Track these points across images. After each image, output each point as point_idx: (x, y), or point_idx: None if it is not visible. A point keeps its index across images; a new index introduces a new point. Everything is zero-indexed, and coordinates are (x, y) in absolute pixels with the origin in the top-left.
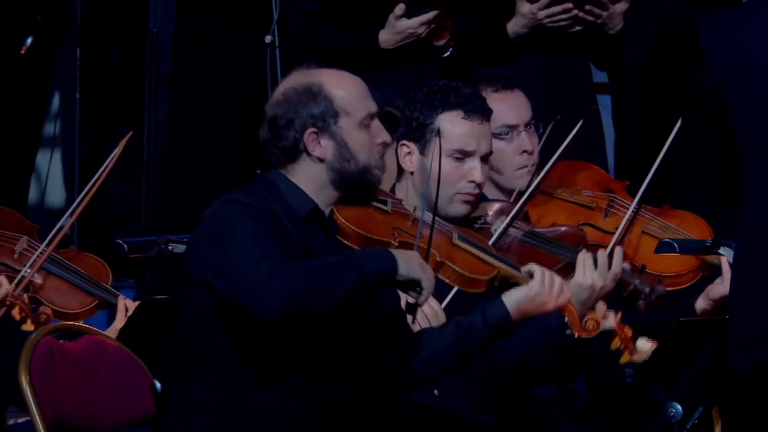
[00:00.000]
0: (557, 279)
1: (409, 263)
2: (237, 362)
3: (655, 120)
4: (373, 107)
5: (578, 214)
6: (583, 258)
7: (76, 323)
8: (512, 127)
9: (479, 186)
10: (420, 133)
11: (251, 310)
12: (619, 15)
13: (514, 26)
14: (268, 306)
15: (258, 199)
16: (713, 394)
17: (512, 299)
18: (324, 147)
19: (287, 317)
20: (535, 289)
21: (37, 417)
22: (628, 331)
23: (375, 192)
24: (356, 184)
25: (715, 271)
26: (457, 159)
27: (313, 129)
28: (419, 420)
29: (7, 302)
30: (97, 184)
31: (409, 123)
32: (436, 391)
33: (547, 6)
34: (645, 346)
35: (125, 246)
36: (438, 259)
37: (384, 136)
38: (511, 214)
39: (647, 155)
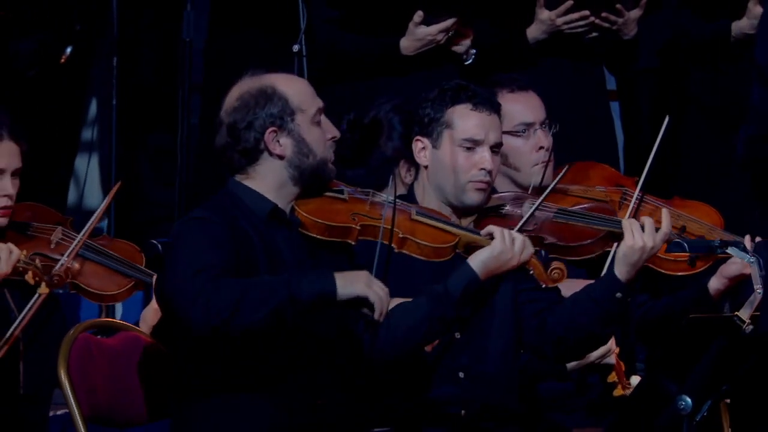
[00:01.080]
0: (518, 236)
1: (350, 282)
2: (223, 373)
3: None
4: (320, 103)
5: (594, 209)
6: (629, 223)
7: (113, 320)
8: (529, 125)
9: (490, 173)
10: (431, 128)
11: (182, 323)
12: (634, 21)
13: (533, 32)
14: (194, 321)
15: (216, 211)
16: (722, 387)
17: (478, 259)
18: (283, 145)
19: (213, 335)
20: (498, 248)
21: (75, 409)
22: (622, 366)
23: (330, 184)
24: (315, 178)
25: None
26: (468, 149)
27: (272, 128)
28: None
29: (20, 267)
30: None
31: (421, 120)
32: (461, 374)
33: (566, 13)
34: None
35: (159, 246)
36: (401, 235)
37: (333, 131)
38: (542, 197)
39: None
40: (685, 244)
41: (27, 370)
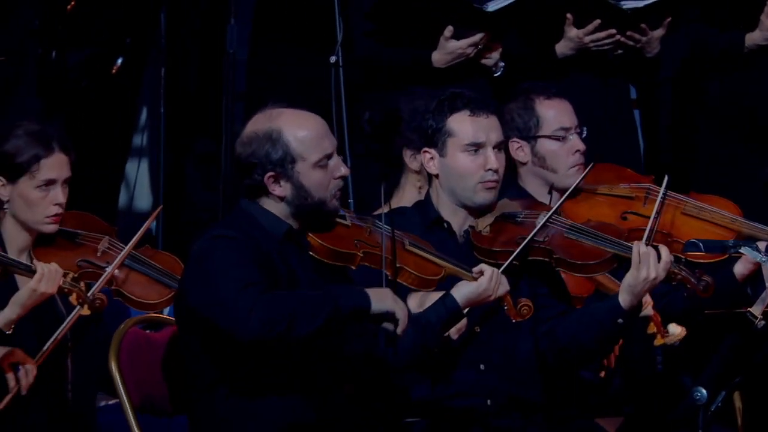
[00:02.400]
0: (497, 273)
1: (381, 299)
2: (237, 379)
3: (681, 130)
4: (329, 148)
5: (620, 205)
6: (639, 254)
7: (160, 315)
8: (567, 129)
9: (497, 172)
10: (436, 138)
11: (232, 334)
12: (657, 40)
13: (562, 48)
14: (248, 333)
15: (238, 231)
16: (735, 379)
17: (462, 293)
18: (283, 187)
19: (264, 342)
20: (483, 286)
21: (125, 399)
22: (659, 318)
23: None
24: (314, 216)
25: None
26: (472, 152)
27: (272, 173)
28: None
29: (65, 289)
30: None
31: (425, 132)
32: (482, 366)
33: (593, 31)
34: (675, 330)
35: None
36: (398, 264)
37: (342, 170)
38: (552, 209)
39: (676, 163)
40: (701, 245)
41: (75, 367)
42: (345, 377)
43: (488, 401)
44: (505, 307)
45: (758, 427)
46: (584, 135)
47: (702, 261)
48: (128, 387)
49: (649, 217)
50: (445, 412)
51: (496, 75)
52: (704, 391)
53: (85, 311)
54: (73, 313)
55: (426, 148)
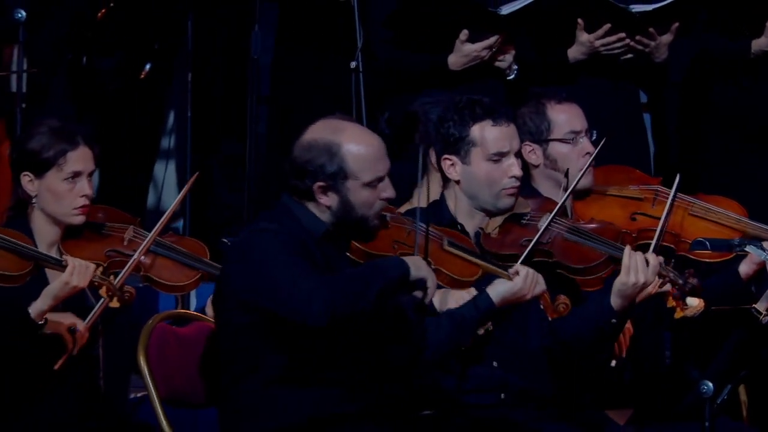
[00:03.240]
0: (533, 273)
1: (417, 265)
2: (277, 367)
3: (690, 133)
4: (382, 171)
5: (630, 206)
6: (629, 259)
7: (187, 311)
8: (577, 133)
9: (519, 179)
10: (458, 146)
11: (299, 322)
12: (665, 45)
13: (574, 53)
14: (315, 317)
15: (281, 226)
16: (741, 373)
17: (498, 292)
18: (329, 198)
19: (331, 325)
20: (519, 285)
21: (153, 392)
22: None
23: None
24: (354, 229)
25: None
26: (496, 161)
27: (322, 183)
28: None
29: (96, 282)
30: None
31: (446, 139)
32: (495, 363)
33: (604, 35)
34: (694, 302)
35: (230, 244)
36: (433, 267)
37: (389, 192)
38: (552, 213)
39: (684, 164)
40: (707, 243)
41: (106, 355)
42: (379, 371)
43: (502, 395)
44: (542, 305)
45: (763, 419)
46: (594, 137)
47: (710, 260)
48: (156, 380)
49: (657, 218)
50: (462, 406)
51: (509, 78)
52: (711, 384)
53: (115, 303)
54: (100, 302)
55: (447, 155)
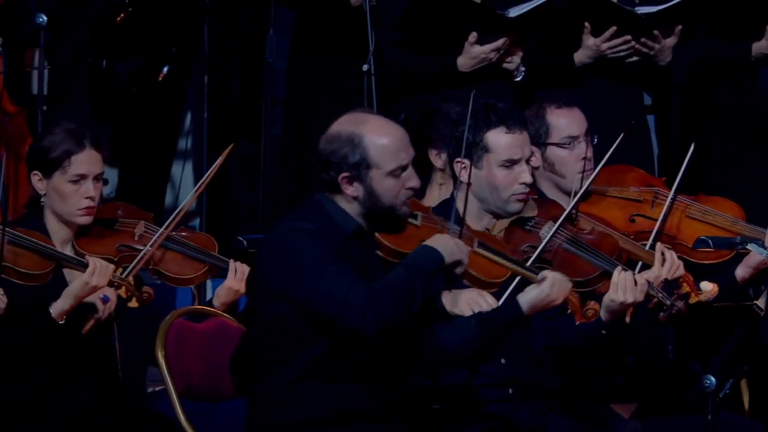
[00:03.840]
0: (562, 278)
1: (449, 249)
2: (307, 361)
3: (692, 133)
4: (405, 159)
5: (629, 207)
6: (617, 277)
7: (204, 307)
8: (574, 138)
9: (528, 186)
10: (472, 151)
11: (353, 333)
12: (669, 49)
13: (580, 57)
14: (370, 329)
15: (314, 224)
16: (742, 368)
17: (526, 300)
18: (355, 188)
19: (386, 333)
20: (546, 291)
21: (171, 386)
22: (691, 278)
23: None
24: (383, 219)
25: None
26: (507, 167)
27: (346, 174)
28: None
29: (115, 282)
30: (207, 180)
31: (459, 143)
32: (503, 360)
33: (610, 39)
34: (707, 287)
35: (245, 242)
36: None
37: (414, 182)
38: (556, 225)
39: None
40: (710, 241)
41: (123, 346)
42: (408, 369)
43: (510, 390)
44: (570, 310)
45: (764, 413)
46: (595, 142)
47: (710, 262)
48: (173, 374)
49: (655, 220)
50: (472, 400)
51: (517, 79)
52: (713, 378)
53: (134, 303)
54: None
55: (459, 159)
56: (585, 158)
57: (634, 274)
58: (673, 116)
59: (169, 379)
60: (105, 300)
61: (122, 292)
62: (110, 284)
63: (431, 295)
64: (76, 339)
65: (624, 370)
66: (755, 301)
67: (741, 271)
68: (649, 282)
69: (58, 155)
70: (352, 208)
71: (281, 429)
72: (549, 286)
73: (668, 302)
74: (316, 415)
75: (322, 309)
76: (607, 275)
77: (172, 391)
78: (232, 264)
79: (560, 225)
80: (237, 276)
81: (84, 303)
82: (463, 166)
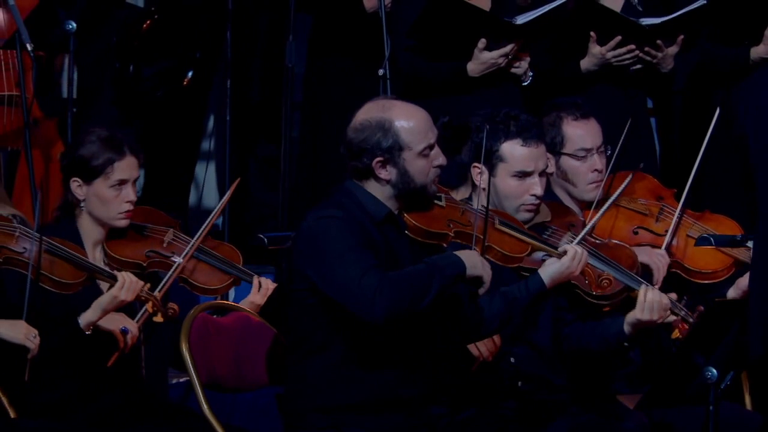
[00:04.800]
0: (579, 250)
1: (473, 263)
2: (342, 348)
3: (692, 137)
4: (432, 138)
5: (635, 219)
6: (644, 297)
7: (226, 302)
8: (587, 150)
9: (539, 197)
10: (488, 158)
11: (362, 318)
12: (671, 57)
13: (586, 64)
14: (377, 315)
15: (345, 211)
16: (743, 360)
17: (547, 273)
18: (389, 171)
19: (389, 323)
20: (566, 264)
21: (195, 377)
22: (685, 326)
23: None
24: (415, 198)
25: (746, 268)
26: (520, 178)
27: (380, 158)
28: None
29: (143, 297)
30: (223, 203)
31: (478, 149)
32: (512, 359)
33: (615, 47)
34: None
35: (266, 240)
36: (486, 243)
37: (441, 160)
38: (580, 235)
39: (688, 166)
40: (712, 239)
41: (147, 347)
42: (438, 355)
43: (519, 383)
44: (587, 281)
45: (763, 404)
46: (608, 153)
47: (706, 282)
48: (197, 366)
49: (658, 234)
50: (479, 394)
51: (525, 84)
52: (715, 370)
53: (159, 319)
54: (140, 313)
55: (476, 164)
56: (596, 170)
57: (660, 294)
58: (675, 119)
59: (192, 370)
60: (125, 332)
61: (149, 306)
62: (137, 299)
63: (455, 301)
64: (101, 368)
65: (628, 363)
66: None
67: (732, 293)
68: (672, 301)
69: (101, 163)
70: (383, 193)
71: (318, 413)
72: (569, 259)
73: (690, 320)
74: (352, 400)
75: (337, 293)
76: (629, 290)
77: (196, 382)
78: (256, 279)
79: (584, 236)
80: (261, 291)
81: (107, 337)
82: (479, 171)
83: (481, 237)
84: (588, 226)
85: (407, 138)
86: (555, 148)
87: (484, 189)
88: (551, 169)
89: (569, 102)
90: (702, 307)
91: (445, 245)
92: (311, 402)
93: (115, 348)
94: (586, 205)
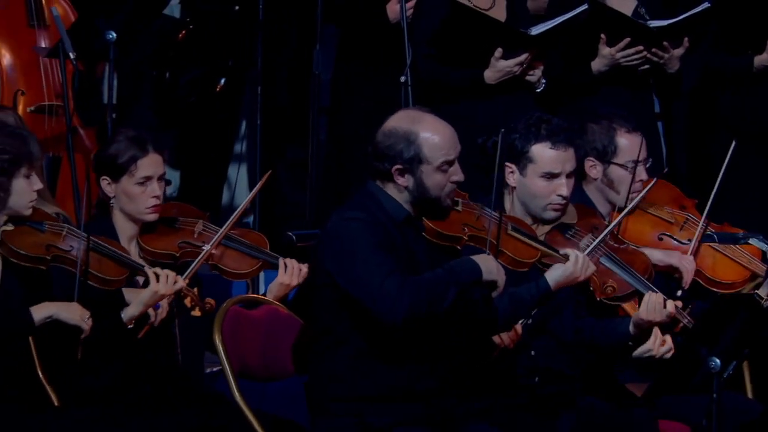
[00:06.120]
0: (588, 262)
1: (489, 268)
2: (361, 342)
3: (698, 139)
4: (452, 155)
5: (660, 226)
6: (647, 299)
7: (256, 296)
8: (636, 162)
9: (565, 198)
10: (519, 158)
11: (381, 320)
12: (677, 58)
13: (597, 65)
14: (396, 318)
15: (368, 213)
16: (744, 351)
17: (552, 276)
18: (406, 180)
19: (411, 325)
20: (570, 269)
21: (227, 367)
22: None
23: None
24: (429, 208)
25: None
26: (547, 179)
27: (399, 166)
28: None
29: (182, 293)
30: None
31: (512, 149)
32: (533, 352)
33: (624, 48)
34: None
35: (294, 237)
36: (499, 248)
37: (458, 176)
38: (597, 240)
39: (694, 168)
40: (715, 236)
41: (182, 334)
42: (453, 349)
43: (536, 378)
44: (591, 288)
45: (764, 392)
46: (648, 165)
47: (725, 291)
48: (229, 356)
49: (681, 242)
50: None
51: (538, 90)
52: (718, 360)
53: (196, 313)
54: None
55: (508, 163)
56: (641, 181)
57: (664, 299)
58: (679, 122)
59: (225, 360)
60: (156, 308)
61: (187, 302)
62: (177, 293)
63: (470, 302)
64: (134, 340)
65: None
66: (756, 291)
67: None
68: (677, 307)
69: (126, 161)
70: (401, 197)
71: (339, 401)
72: (572, 264)
73: (692, 327)
74: (371, 392)
75: (359, 294)
76: (638, 294)
77: (229, 371)
78: (282, 261)
79: (600, 241)
80: (287, 271)
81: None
82: (510, 170)
83: (494, 242)
84: (604, 233)
85: (428, 152)
86: (606, 156)
87: (514, 188)
88: (597, 175)
89: (619, 114)
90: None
91: (459, 248)
92: (333, 391)
93: (146, 321)
94: (617, 209)
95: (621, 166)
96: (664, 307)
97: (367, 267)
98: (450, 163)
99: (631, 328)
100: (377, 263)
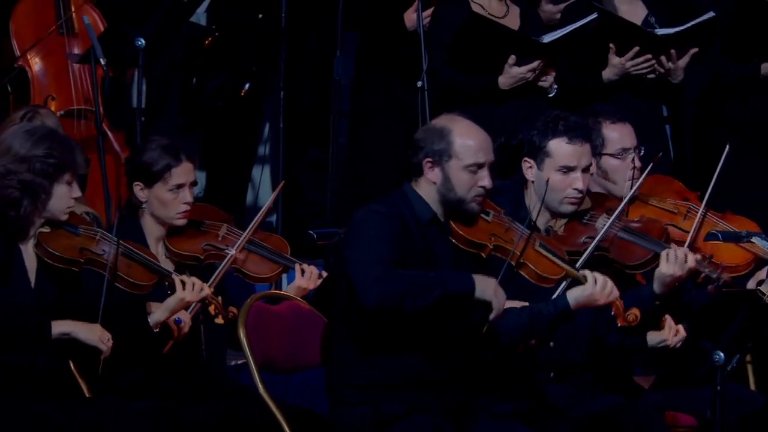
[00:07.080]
0: (609, 283)
1: (483, 288)
2: (374, 333)
3: (704, 143)
4: (482, 159)
5: (664, 216)
6: (666, 254)
7: (278, 291)
8: (626, 150)
9: (581, 192)
10: (537, 153)
11: (358, 299)
12: (681, 69)
13: (607, 74)
14: (370, 300)
15: (393, 208)
16: (747, 345)
17: (572, 296)
18: (435, 174)
19: (382, 311)
20: (589, 291)
21: (251, 360)
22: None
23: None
24: (456, 208)
25: (764, 263)
26: (564, 172)
27: (429, 159)
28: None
29: (207, 301)
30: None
31: (531, 144)
32: (552, 343)
33: (633, 57)
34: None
35: (315, 235)
36: (522, 260)
37: (486, 182)
38: (611, 219)
39: (700, 169)
40: (719, 234)
41: (207, 331)
42: (463, 344)
43: (551, 374)
44: (612, 312)
45: (766, 384)
46: (642, 153)
47: (734, 274)
48: (253, 350)
49: (685, 231)
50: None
51: (550, 96)
52: (722, 354)
53: (220, 320)
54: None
55: (527, 158)
56: (634, 167)
57: (685, 253)
58: (686, 126)
59: (249, 354)
60: (178, 322)
61: (211, 309)
62: (202, 301)
63: (470, 316)
64: (159, 356)
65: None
66: (759, 287)
67: (751, 284)
68: (696, 259)
69: (160, 168)
70: (430, 194)
71: (354, 390)
72: (591, 285)
73: (714, 276)
74: (384, 381)
75: (351, 271)
76: (657, 257)
77: (252, 364)
78: (298, 266)
79: (614, 219)
80: (305, 276)
81: (163, 327)
82: (528, 165)
83: (518, 254)
84: (618, 209)
85: (458, 149)
86: (596, 149)
87: (532, 182)
88: (593, 169)
89: (606, 108)
90: (725, 265)
91: (483, 255)
92: (349, 380)
93: (170, 337)
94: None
95: (611, 155)
96: (685, 261)
97: (366, 252)
98: (479, 166)
99: (655, 286)
100: (377, 251)
